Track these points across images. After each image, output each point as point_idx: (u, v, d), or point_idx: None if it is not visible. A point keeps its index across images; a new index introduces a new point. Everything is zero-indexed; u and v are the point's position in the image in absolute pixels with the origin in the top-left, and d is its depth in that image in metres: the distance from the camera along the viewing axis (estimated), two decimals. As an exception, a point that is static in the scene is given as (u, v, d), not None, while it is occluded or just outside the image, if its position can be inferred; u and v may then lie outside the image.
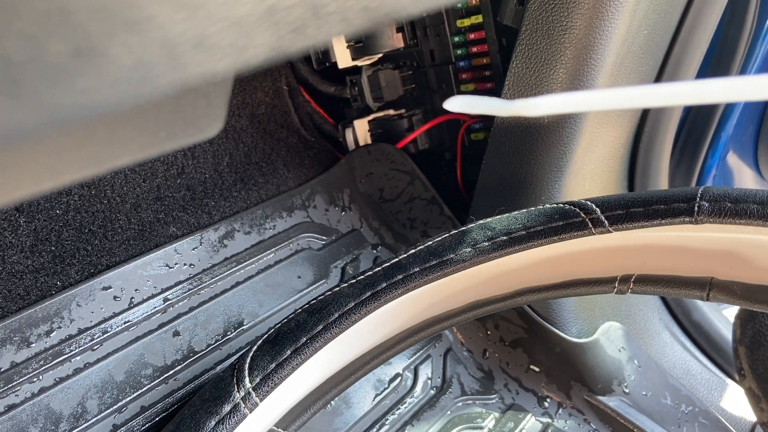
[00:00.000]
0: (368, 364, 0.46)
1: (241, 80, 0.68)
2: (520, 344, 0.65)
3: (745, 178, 0.84)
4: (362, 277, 0.44)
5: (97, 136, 0.22)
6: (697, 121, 0.75)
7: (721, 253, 0.39)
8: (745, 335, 0.47)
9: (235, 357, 0.47)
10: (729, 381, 0.70)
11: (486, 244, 0.43)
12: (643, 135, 0.65)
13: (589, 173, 0.60)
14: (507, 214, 0.45)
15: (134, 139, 0.24)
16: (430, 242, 0.45)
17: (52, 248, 0.51)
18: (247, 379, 0.40)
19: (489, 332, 0.66)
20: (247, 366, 0.41)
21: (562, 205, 0.43)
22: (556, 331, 0.62)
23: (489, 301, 0.47)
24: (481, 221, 0.45)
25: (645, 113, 0.64)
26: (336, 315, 0.42)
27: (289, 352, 0.41)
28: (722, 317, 0.72)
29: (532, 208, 0.44)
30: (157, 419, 0.49)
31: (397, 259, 0.45)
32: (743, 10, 0.67)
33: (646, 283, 0.42)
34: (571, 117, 0.54)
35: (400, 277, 0.44)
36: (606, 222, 0.40)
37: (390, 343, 0.47)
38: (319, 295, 0.44)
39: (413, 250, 0.45)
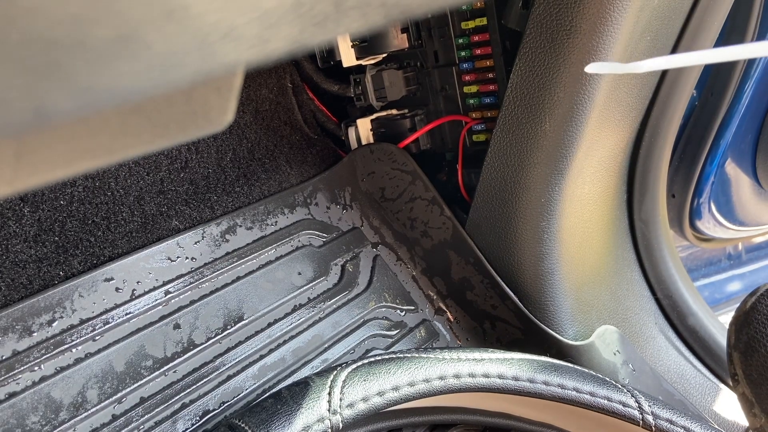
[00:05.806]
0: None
1: (246, 76, 0.68)
2: (516, 345, 0.65)
3: (742, 186, 0.85)
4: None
5: (110, 126, 0.23)
6: (696, 128, 0.76)
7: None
8: (740, 341, 0.47)
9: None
10: (722, 386, 0.71)
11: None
12: (643, 140, 0.66)
13: (588, 177, 0.61)
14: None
15: (146, 129, 0.24)
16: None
17: (56, 238, 0.52)
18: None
19: (486, 333, 0.67)
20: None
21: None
22: (553, 333, 0.62)
23: (518, 418, 0.53)
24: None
25: (645, 118, 0.65)
26: None
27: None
28: (717, 323, 0.73)
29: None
30: (155, 410, 0.49)
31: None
32: (746, 17, 0.68)
33: None
34: (572, 121, 0.54)
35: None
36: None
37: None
38: None
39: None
